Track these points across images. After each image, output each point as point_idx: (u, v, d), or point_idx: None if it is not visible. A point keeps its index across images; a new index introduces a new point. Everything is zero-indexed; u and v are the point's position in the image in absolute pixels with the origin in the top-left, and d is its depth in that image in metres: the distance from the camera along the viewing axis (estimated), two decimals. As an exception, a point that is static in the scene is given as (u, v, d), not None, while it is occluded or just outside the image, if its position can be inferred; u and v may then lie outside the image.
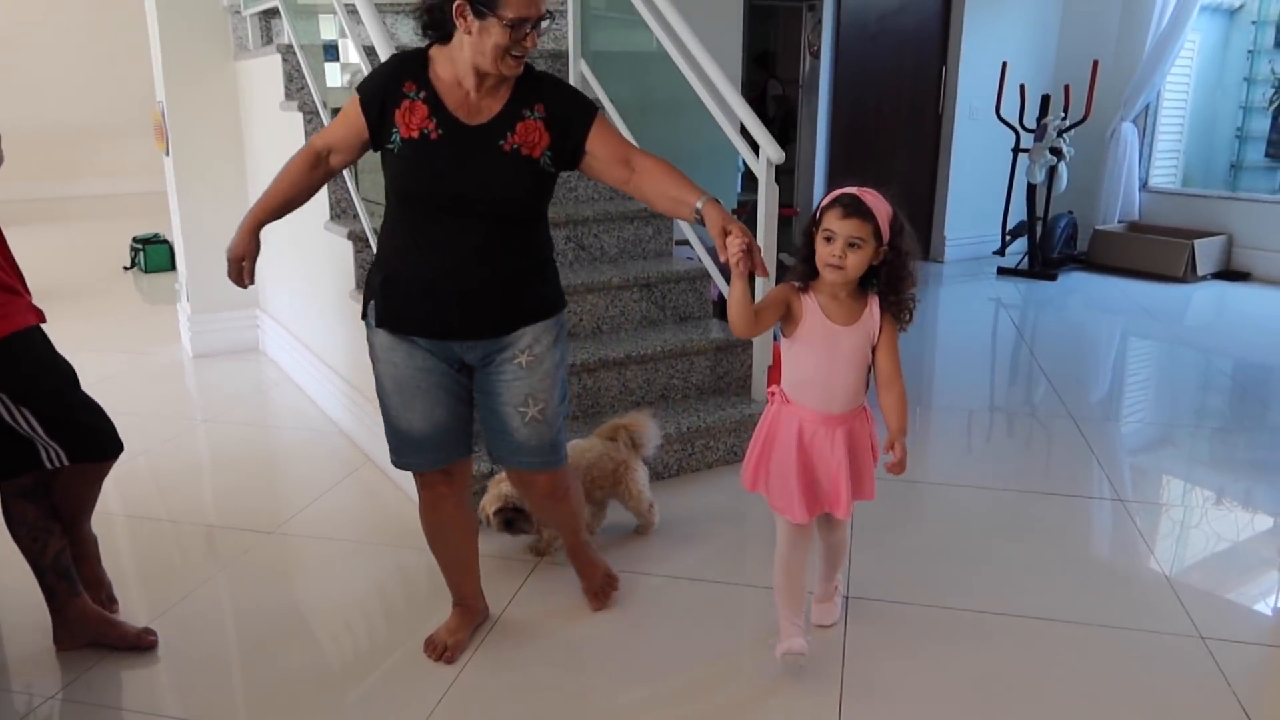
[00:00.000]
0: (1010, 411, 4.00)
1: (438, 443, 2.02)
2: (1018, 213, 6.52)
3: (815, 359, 1.94)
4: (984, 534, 2.83)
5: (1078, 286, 6.24)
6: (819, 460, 1.99)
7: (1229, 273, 6.41)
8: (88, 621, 2.17)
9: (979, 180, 6.80)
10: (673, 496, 3.01)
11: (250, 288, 2.06)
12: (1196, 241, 6.23)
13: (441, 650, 2.17)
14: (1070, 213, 6.70)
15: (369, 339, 2.00)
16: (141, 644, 2.19)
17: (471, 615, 2.27)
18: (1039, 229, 6.42)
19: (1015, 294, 6.06)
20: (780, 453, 1.99)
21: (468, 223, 1.87)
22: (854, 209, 1.83)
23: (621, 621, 2.35)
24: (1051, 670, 2.17)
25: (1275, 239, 6.27)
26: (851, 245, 1.84)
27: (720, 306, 3.79)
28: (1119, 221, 6.86)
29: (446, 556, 2.21)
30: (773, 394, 2.02)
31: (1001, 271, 6.55)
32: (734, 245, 1.77)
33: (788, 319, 1.95)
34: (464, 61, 1.84)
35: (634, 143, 2.30)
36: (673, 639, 2.30)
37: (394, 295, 1.93)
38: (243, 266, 2.00)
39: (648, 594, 2.48)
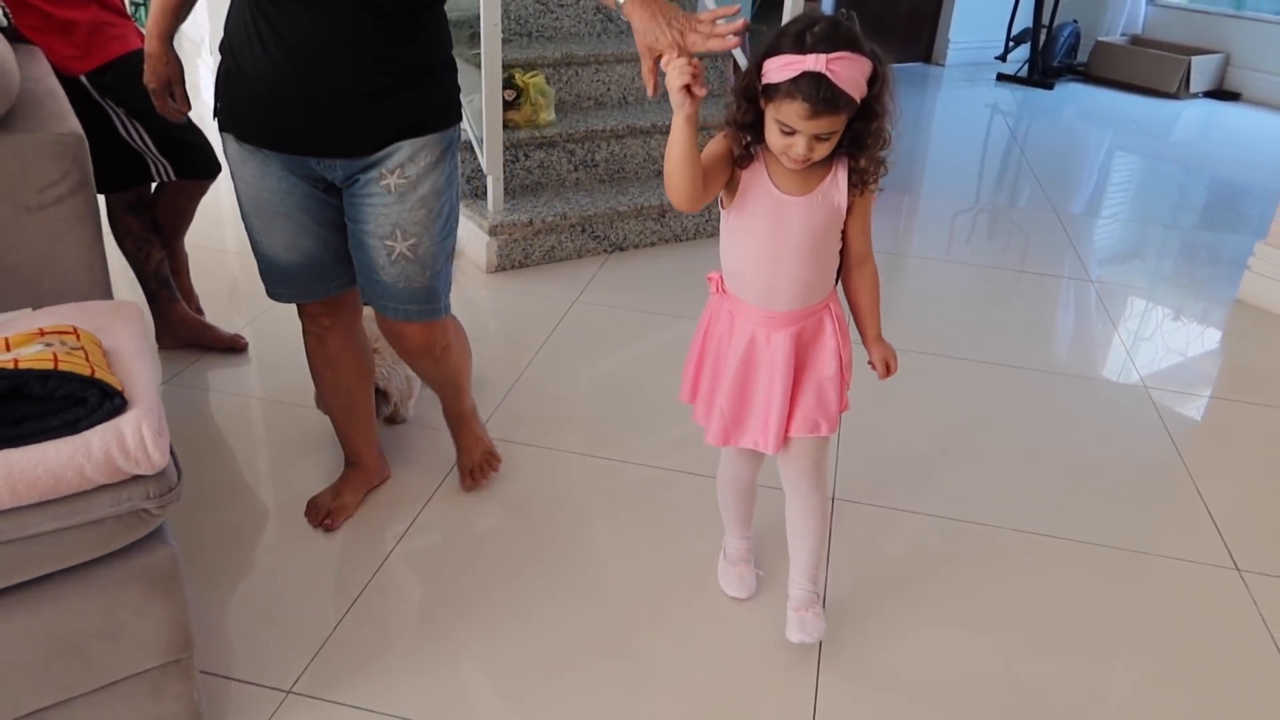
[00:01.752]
0: (996, 206, 4.29)
1: (308, 274, 1.71)
2: (1024, 19, 6.57)
3: (755, 238, 1.44)
4: (971, 302, 3.19)
5: (1074, 97, 6.39)
6: (753, 373, 1.53)
7: (1221, 92, 6.57)
8: (187, 324, 2.47)
9: (989, -16, 6.78)
10: (686, 255, 3.33)
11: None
12: (1193, 58, 6.35)
13: (323, 515, 1.91)
14: (1075, 21, 6.75)
15: (221, 143, 1.66)
16: (236, 346, 2.50)
17: (363, 477, 1.99)
18: (1043, 36, 6.49)
19: (1012, 101, 6.21)
20: (709, 356, 1.57)
21: (319, 8, 1.45)
22: (825, 105, 1.27)
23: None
24: (1013, 407, 2.57)
25: (1271, 60, 6.39)
26: (819, 139, 1.32)
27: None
28: (1121, 34, 6.93)
29: (336, 401, 1.93)
30: (711, 279, 1.56)
31: (1001, 78, 6.66)
32: (675, 79, 1.29)
33: (727, 183, 1.44)
34: None
35: None
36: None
37: (233, 94, 1.57)
38: (170, 92, 1.84)
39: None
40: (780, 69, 1.28)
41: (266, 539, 1.90)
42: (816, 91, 1.27)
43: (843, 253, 1.51)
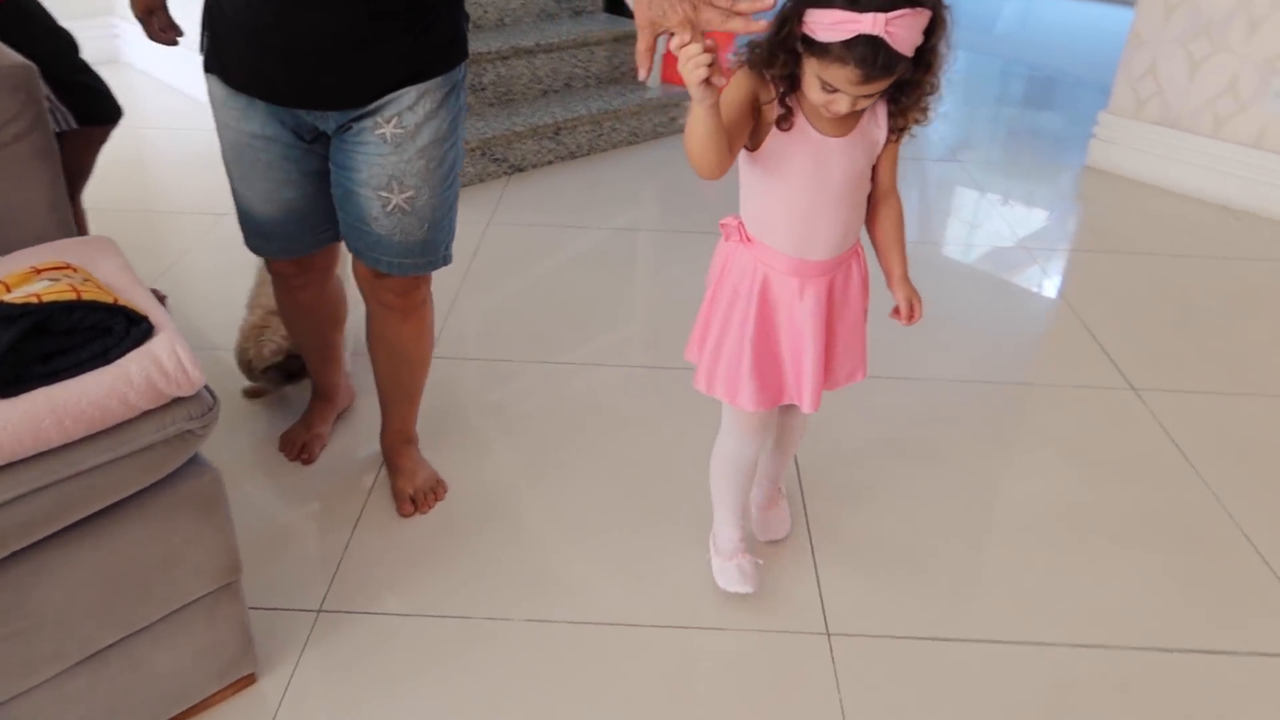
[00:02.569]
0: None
1: (289, 230, 1.59)
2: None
3: (792, 185, 1.32)
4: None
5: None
6: (785, 327, 1.42)
7: (1036, -19, 7.00)
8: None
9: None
10: (585, 171, 3.38)
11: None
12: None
13: (299, 449, 1.90)
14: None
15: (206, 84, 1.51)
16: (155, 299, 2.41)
17: (332, 407, 1.97)
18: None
19: None
20: (733, 313, 1.42)
21: None
22: (881, 70, 1.15)
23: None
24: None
25: (1074, -53, 6.84)
26: (865, 95, 1.20)
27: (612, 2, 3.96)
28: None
29: (306, 340, 1.87)
30: (728, 227, 1.42)
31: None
32: (692, 72, 1.13)
33: (755, 125, 1.30)
34: None
35: None
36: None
37: (216, 35, 1.45)
38: (154, 19, 1.75)
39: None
40: (831, 27, 1.13)
41: (252, 479, 1.88)
42: (873, 57, 1.13)
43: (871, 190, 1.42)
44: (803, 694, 1.45)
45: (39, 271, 1.21)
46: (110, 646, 1.23)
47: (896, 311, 1.46)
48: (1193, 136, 3.30)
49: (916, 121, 1.31)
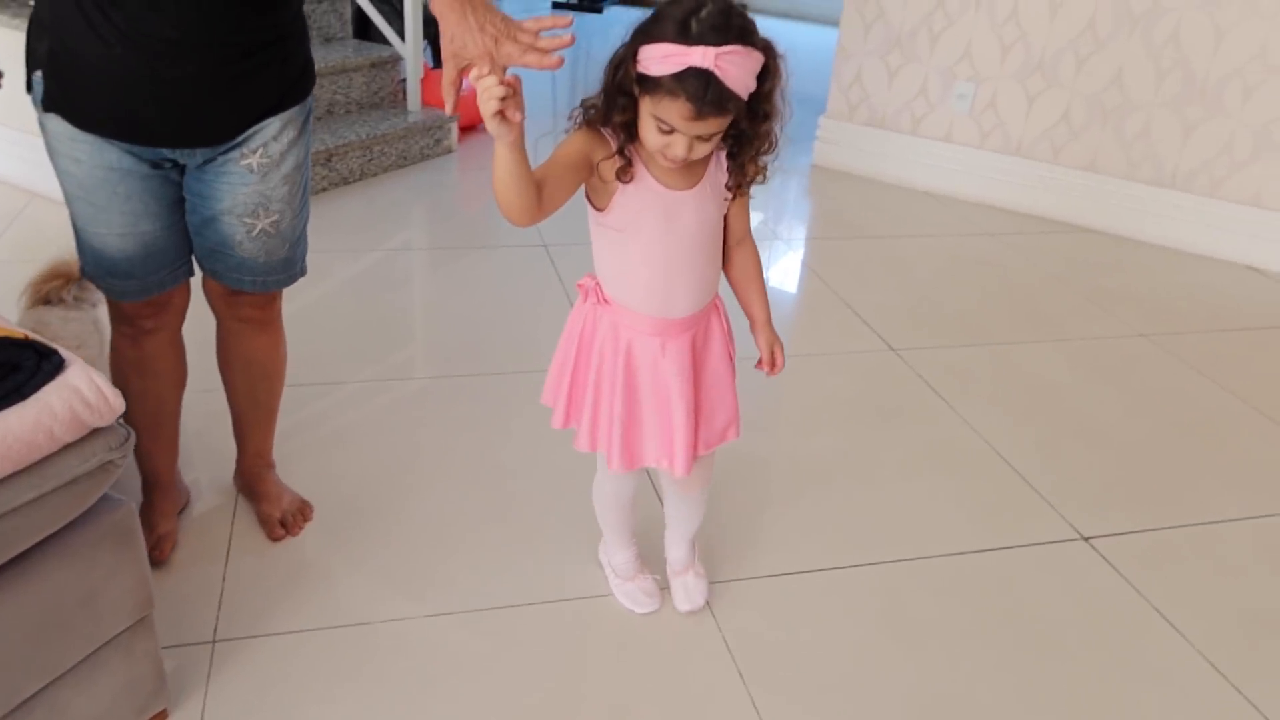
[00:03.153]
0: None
1: (148, 265, 1.51)
2: (565, -51, 7.13)
3: (644, 242, 1.31)
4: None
5: (620, 18, 7.05)
6: (650, 388, 1.40)
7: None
8: None
9: (527, -83, 7.22)
10: (359, 195, 3.40)
11: None
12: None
13: (150, 548, 1.65)
14: (606, -50, 7.45)
15: (39, 121, 1.44)
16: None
17: (173, 499, 1.78)
18: (584, -35, 7.10)
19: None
20: (602, 377, 1.41)
21: (161, 2, 1.30)
22: (712, 106, 1.16)
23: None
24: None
25: (763, -26, 7.60)
26: (700, 138, 1.21)
27: (360, 25, 3.97)
28: (645, -41, 7.77)
29: (144, 412, 1.64)
30: (584, 288, 1.41)
31: (556, 5, 7.19)
32: (486, 104, 1.10)
33: (596, 187, 1.30)
34: None
35: None
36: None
37: (67, 76, 1.38)
38: None
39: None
40: (661, 61, 1.14)
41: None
42: (703, 91, 1.13)
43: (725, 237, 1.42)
44: (693, 639, 1.64)
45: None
46: (34, 696, 1.19)
47: (760, 362, 1.47)
48: (896, 135, 3.85)
49: (754, 179, 1.31)
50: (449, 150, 3.90)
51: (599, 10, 7.11)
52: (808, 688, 1.55)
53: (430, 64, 4.02)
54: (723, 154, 1.33)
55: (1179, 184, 3.37)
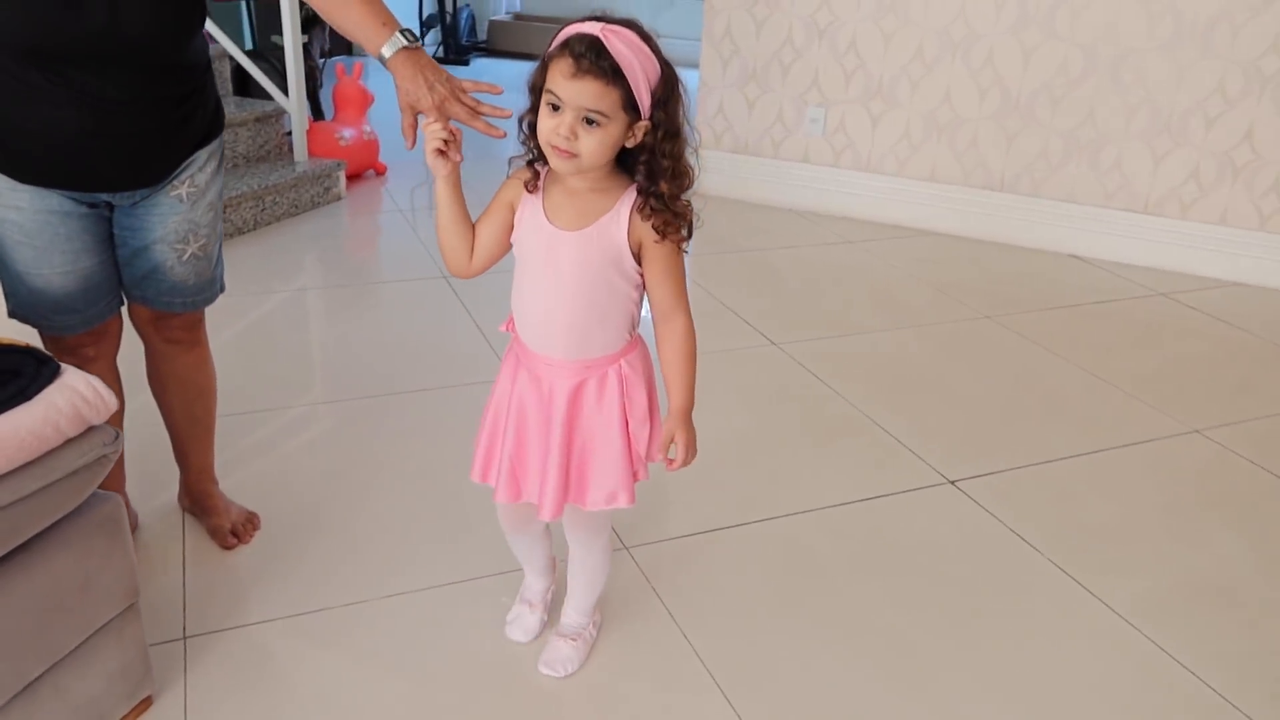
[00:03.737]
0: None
1: (88, 298, 1.62)
2: (429, 5, 7.35)
3: (530, 276, 1.36)
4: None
5: (485, 69, 7.35)
6: (534, 424, 1.42)
7: (592, 52, 8.06)
8: None
9: (388, -24, 7.43)
10: (254, 244, 3.51)
11: None
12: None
13: None
14: (468, 5, 7.72)
15: None
16: None
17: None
18: (448, 20, 7.34)
19: (438, 79, 6.98)
20: (495, 400, 1.46)
21: (108, 71, 1.44)
22: (592, 63, 1.17)
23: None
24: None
25: (620, 22, 8.01)
26: (588, 121, 1.20)
27: (239, 82, 4.09)
28: (506, 12, 8.07)
29: None
30: (509, 319, 1.46)
31: (422, 60, 7.40)
32: (430, 142, 1.30)
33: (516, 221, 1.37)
34: None
35: None
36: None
37: (4, 138, 1.47)
38: None
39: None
40: (559, 37, 1.21)
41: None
42: (583, 49, 1.16)
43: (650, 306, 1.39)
44: (631, 598, 1.84)
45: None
46: (39, 678, 1.30)
47: (659, 454, 1.41)
48: (759, 159, 4.20)
49: (672, 218, 1.27)
50: (338, 197, 4.04)
51: (466, 63, 7.35)
52: (733, 625, 1.77)
53: (312, 117, 4.17)
54: (625, 205, 1.29)
55: (1006, 187, 3.82)
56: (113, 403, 1.31)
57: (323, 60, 4.92)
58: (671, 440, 1.39)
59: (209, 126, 1.64)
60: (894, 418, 2.50)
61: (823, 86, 4.00)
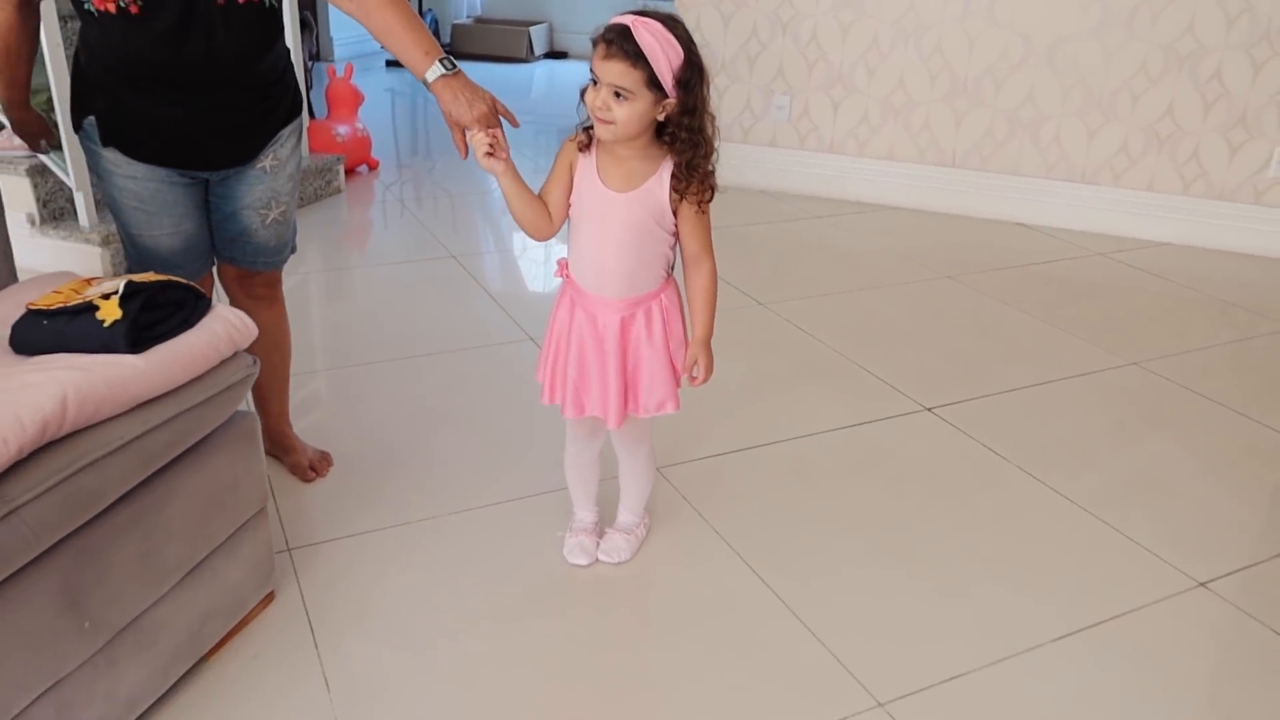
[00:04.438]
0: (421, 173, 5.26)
1: (190, 256, 1.88)
2: (394, 10, 7.57)
3: (586, 230, 1.62)
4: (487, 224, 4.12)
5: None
6: (592, 351, 1.68)
7: (554, 53, 8.32)
8: None
9: (353, -17, 7.62)
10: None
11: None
12: (530, 29, 7.97)
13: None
14: (431, 11, 7.94)
15: (87, 148, 1.79)
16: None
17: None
18: (413, 24, 7.56)
19: (404, 82, 7.18)
20: (556, 334, 1.72)
21: (207, 87, 1.71)
22: (620, 47, 1.43)
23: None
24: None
25: (580, 23, 8.28)
26: (618, 95, 1.46)
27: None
28: (468, 16, 8.32)
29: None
30: (561, 263, 1.71)
31: (389, 64, 7.60)
32: (479, 149, 1.56)
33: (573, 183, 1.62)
34: None
35: None
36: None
37: (124, 126, 1.73)
38: (42, 142, 1.99)
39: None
40: (603, 27, 1.47)
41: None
42: (614, 35, 1.43)
43: (681, 253, 1.65)
44: (668, 508, 2.13)
45: (88, 281, 1.52)
46: (203, 560, 1.56)
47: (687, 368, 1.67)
48: (730, 144, 4.52)
49: (696, 183, 1.53)
50: (339, 190, 4.27)
51: (432, 65, 7.57)
52: (756, 523, 2.08)
53: (313, 116, 4.40)
54: (666, 170, 1.54)
55: (958, 163, 4.19)
56: (255, 330, 1.57)
57: (311, 63, 5.14)
58: (695, 362, 1.67)
59: (290, 110, 1.89)
60: (873, 361, 2.83)
61: (787, 76, 4.33)
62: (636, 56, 1.43)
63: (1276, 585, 1.94)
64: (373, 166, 4.66)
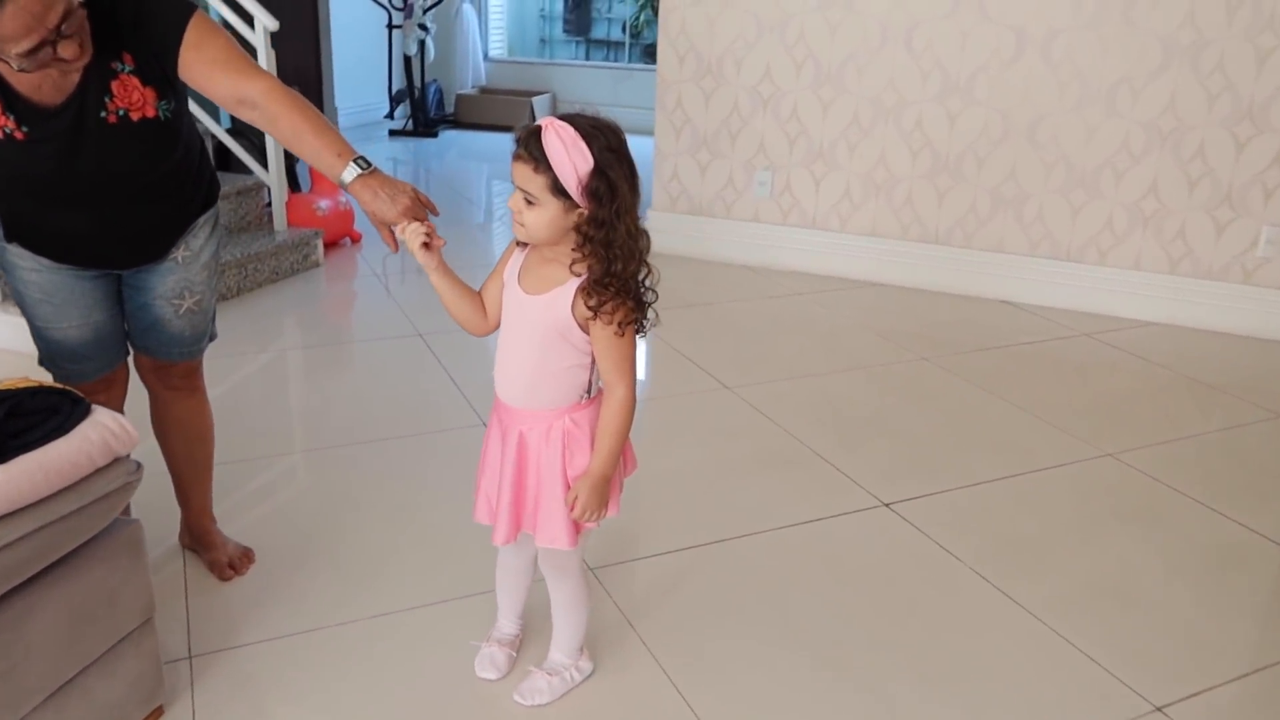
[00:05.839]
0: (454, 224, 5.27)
1: (98, 347, 1.85)
2: (397, 81, 7.68)
3: (504, 328, 1.57)
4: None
5: (454, 141, 7.67)
6: (494, 458, 1.62)
7: (556, 122, 8.40)
8: None
9: (361, 54, 7.75)
10: (239, 308, 3.72)
11: None
12: (533, 99, 8.06)
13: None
14: (435, 80, 8.06)
15: None
16: None
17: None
18: (416, 95, 7.67)
19: (407, 151, 7.26)
20: (487, 439, 1.66)
21: (104, 200, 1.69)
22: (526, 149, 1.38)
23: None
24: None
25: (582, 94, 8.36)
26: (528, 201, 1.41)
27: (219, 157, 4.33)
28: (472, 86, 8.43)
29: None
30: None
31: (392, 134, 7.69)
32: (413, 242, 1.52)
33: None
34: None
35: (248, 64, 1.68)
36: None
37: (24, 230, 1.72)
38: None
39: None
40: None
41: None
42: (526, 135, 1.39)
43: None
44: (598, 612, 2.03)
45: (-39, 382, 1.47)
46: (71, 680, 1.47)
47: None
48: (712, 220, 4.49)
49: (603, 298, 1.41)
50: (317, 264, 4.26)
51: (434, 135, 7.66)
52: (698, 635, 1.97)
53: (290, 189, 4.41)
54: (574, 285, 1.45)
55: (940, 240, 4.12)
56: (136, 437, 1.50)
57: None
58: (575, 496, 1.52)
59: (204, 200, 1.87)
60: (836, 451, 2.73)
61: (769, 151, 4.31)
62: (540, 161, 1.37)
63: (1238, 713, 1.81)
64: (355, 239, 4.66)
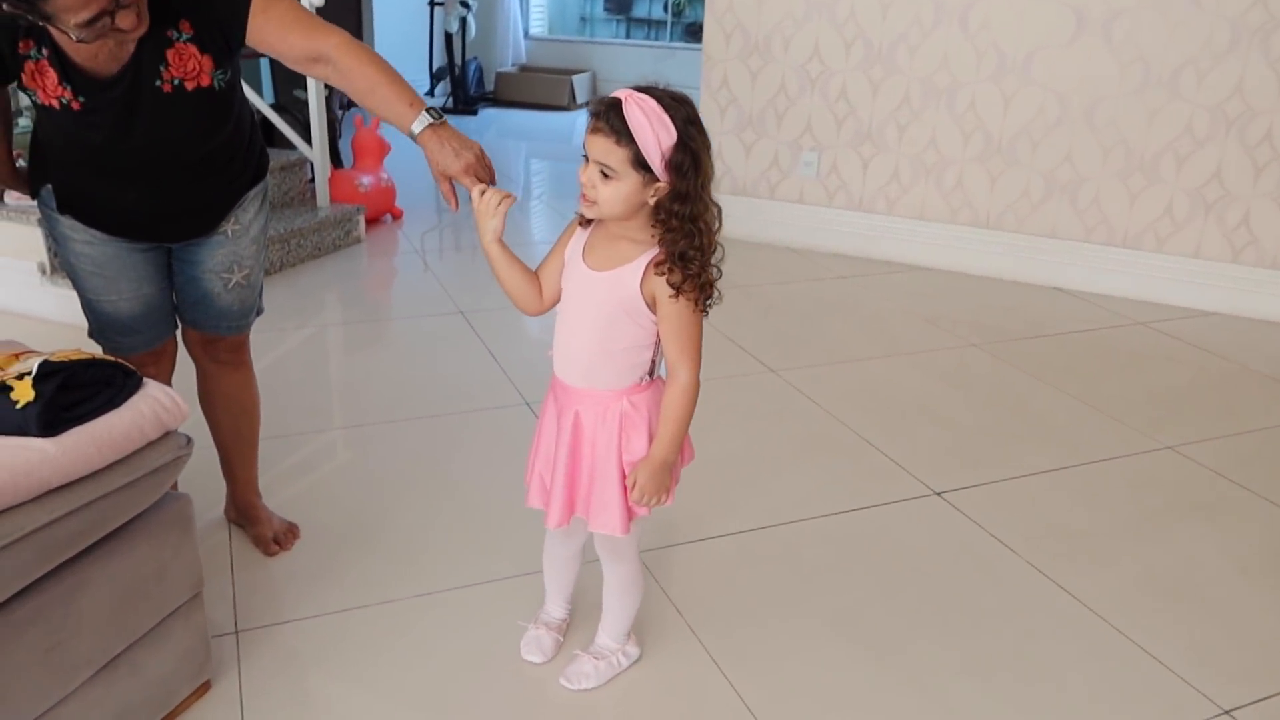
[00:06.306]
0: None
1: (149, 322, 1.85)
2: (438, 59, 7.66)
3: (565, 305, 1.51)
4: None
5: (493, 119, 7.63)
6: (549, 441, 1.57)
7: (596, 101, 8.34)
8: None
9: (403, 31, 7.73)
10: (283, 284, 3.71)
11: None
12: (573, 77, 8.00)
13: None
14: (475, 58, 8.02)
15: (45, 213, 1.76)
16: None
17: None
18: (457, 72, 7.64)
19: (448, 129, 7.25)
20: (540, 422, 1.60)
21: (157, 172, 1.69)
22: (606, 122, 1.33)
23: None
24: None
25: (621, 73, 8.29)
26: (604, 174, 1.35)
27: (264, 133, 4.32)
28: (513, 64, 8.38)
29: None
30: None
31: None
32: (480, 205, 1.46)
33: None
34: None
35: (319, 21, 1.67)
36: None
37: (78, 201, 1.72)
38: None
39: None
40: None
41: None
42: (604, 108, 1.33)
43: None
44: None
45: (16, 356, 1.45)
46: (120, 654, 1.47)
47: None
48: (756, 200, 4.42)
49: (682, 277, 1.37)
50: (358, 240, 4.25)
51: (474, 113, 7.63)
52: (746, 621, 1.94)
53: (333, 165, 4.40)
54: (644, 261, 1.40)
55: (992, 224, 4.02)
56: (186, 410, 1.49)
57: (342, 112, 5.17)
58: (634, 482, 1.48)
59: (254, 174, 1.86)
60: (885, 437, 2.68)
61: (815, 132, 4.23)
62: (622, 133, 1.32)
63: (1311, 715, 1.74)
64: (396, 216, 4.65)
